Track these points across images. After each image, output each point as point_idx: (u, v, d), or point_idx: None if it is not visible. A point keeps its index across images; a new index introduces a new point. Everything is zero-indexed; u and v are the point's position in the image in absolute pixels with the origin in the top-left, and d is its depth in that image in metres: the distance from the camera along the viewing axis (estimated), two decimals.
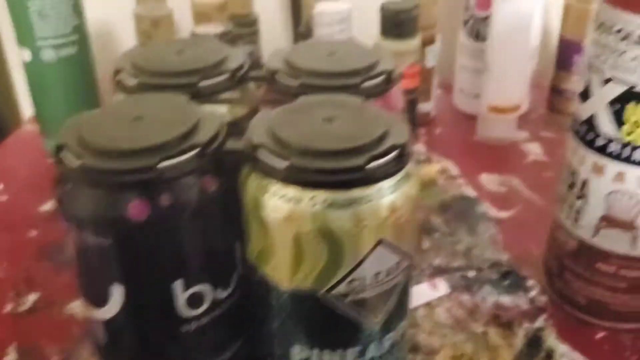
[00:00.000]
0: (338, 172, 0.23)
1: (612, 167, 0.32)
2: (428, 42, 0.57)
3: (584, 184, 0.33)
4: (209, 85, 0.30)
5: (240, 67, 0.31)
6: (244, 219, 0.26)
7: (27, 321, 0.39)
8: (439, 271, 0.42)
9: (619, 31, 0.29)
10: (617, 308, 0.36)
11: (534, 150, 0.57)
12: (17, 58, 0.54)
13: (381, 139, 0.24)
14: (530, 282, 0.41)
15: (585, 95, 0.32)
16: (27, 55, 0.51)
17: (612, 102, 0.31)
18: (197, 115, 0.26)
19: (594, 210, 0.34)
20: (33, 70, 0.52)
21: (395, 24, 0.52)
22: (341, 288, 0.25)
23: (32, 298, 0.40)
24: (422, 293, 0.40)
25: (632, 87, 0.30)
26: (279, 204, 0.24)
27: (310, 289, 0.25)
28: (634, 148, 0.31)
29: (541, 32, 0.58)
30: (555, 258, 0.38)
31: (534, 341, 0.36)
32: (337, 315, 0.26)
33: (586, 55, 0.33)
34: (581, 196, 0.34)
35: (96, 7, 0.57)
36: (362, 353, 0.27)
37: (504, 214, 0.48)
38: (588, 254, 0.35)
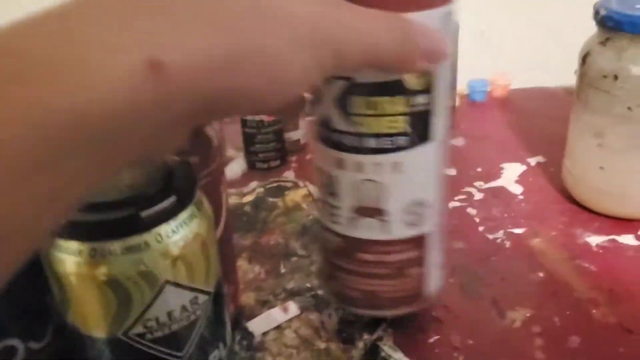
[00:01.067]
0: (112, 222, 0.26)
1: (350, 159, 0.34)
2: None
3: (332, 180, 0.36)
4: None
5: None
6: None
7: None
8: (291, 294, 0.44)
9: None
10: (390, 295, 0.38)
11: None
12: None
13: (160, 184, 0.27)
14: None
15: (317, 98, 0.34)
16: None
17: (338, 99, 0.33)
18: None
19: (346, 204, 0.36)
20: None
21: None
22: (137, 329, 0.27)
23: None
24: (273, 318, 0.42)
25: (351, 81, 0.32)
26: (64, 257, 0.26)
27: (110, 332, 0.27)
28: (365, 137, 0.33)
29: None
30: (324, 260, 0.40)
31: (371, 351, 0.39)
32: (143, 353, 0.28)
33: None
34: (332, 193, 0.36)
35: None
36: None
37: None
38: (351, 247, 0.37)
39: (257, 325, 0.41)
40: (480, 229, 0.51)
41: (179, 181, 0.28)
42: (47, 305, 0.29)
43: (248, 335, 0.41)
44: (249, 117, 0.58)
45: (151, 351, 0.28)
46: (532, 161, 0.60)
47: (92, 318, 0.27)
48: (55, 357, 0.30)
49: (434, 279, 0.39)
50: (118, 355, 0.28)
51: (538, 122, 0.67)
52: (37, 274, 0.28)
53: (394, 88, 0.32)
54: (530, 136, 0.64)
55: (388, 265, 0.37)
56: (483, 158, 0.61)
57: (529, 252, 0.48)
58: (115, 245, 0.26)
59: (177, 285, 0.27)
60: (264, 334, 0.41)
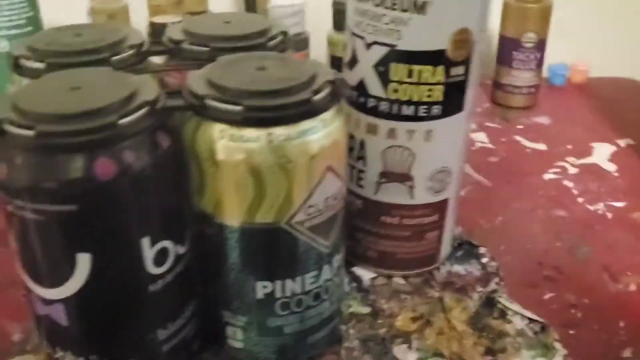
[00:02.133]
0: (289, 107, 0.26)
1: (384, 125, 0.35)
2: None
3: (362, 145, 0.36)
4: (120, 60, 0.31)
5: (142, 43, 0.33)
6: (197, 170, 0.28)
7: None
8: None
9: None
10: (404, 256, 0.39)
11: (480, 139, 0.60)
12: None
13: (314, 77, 0.28)
14: (481, 250, 0.43)
15: (352, 62, 0.36)
16: None
17: (377, 65, 0.34)
18: (132, 79, 0.27)
19: (373, 168, 0.37)
20: None
21: None
22: (300, 216, 0.28)
23: None
24: None
25: (392, 47, 0.33)
26: (237, 146, 0.26)
27: (273, 221, 0.28)
28: (401, 104, 0.34)
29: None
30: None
31: (488, 302, 0.39)
32: (296, 244, 0.29)
33: (348, 24, 0.35)
34: (360, 157, 0.37)
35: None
36: (317, 277, 0.30)
37: None
38: (373, 210, 0.38)
39: (364, 271, 0.41)
40: (580, 200, 0.51)
41: (328, 74, 0.28)
42: (184, 210, 0.29)
43: (357, 278, 0.39)
44: None
45: (306, 241, 0.29)
46: (622, 143, 0.60)
47: (255, 209, 0.27)
48: (190, 265, 0.30)
49: (447, 243, 0.40)
50: (269, 251, 0.29)
51: (622, 108, 0.67)
52: (180, 176, 0.28)
53: (436, 57, 0.33)
54: (616, 120, 0.64)
55: (408, 228, 0.38)
56: (572, 136, 0.61)
57: (632, 224, 0.48)
58: (291, 129, 0.26)
59: (334, 171, 0.28)
60: (372, 278, 0.40)
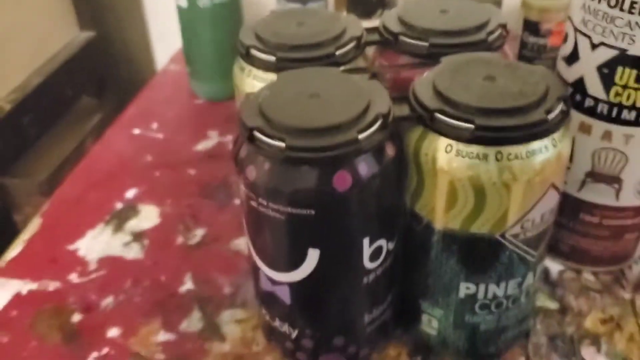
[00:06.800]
0: (521, 128, 0.27)
1: (600, 126, 0.34)
2: None
3: (572, 142, 0.35)
4: (343, 53, 0.33)
5: (362, 34, 0.34)
6: (416, 176, 0.30)
7: (199, 253, 0.44)
8: None
9: None
10: (597, 254, 0.39)
11: None
12: (151, 4, 0.59)
13: (546, 93, 0.28)
14: None
15: (572, 58, 0.34)
16: (183, 1, 0.57)
17: (602, 66, 0.33)
18: (365, 87, 0.29)
19: (580, 167, 0.36)
20: (188, 15, 0.58)
21: None
22: (515, 230, 0.29)
23: (199, 233, 0.46)
24: None
25: (623, 52, 0.32)
26: (464, 161, 0.28)
27: (487, 232, 0.29)
28: (622, 108, 0.33)
29: None
30: None
31: None
32: (505, 254, 0.30)
33: (572, 18, 0.34)
34: None
35: None
36: (520, 284, 0.32)
37: None
38: (573, 206, 0.38)
39: (552, 263, 0.41)
40: None
41: (561, 90, 0.29)
42: (400, 209, 0.31)
43: (544, 269, 0.40)
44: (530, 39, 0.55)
45: (517, 250, 0.30)
46: None
47: (473, 220, 0.29)
48: (396, 259, 0.32)
49: None
50: (478, 257, 0.30)
51: None
52: (400, 179, 0.30)
53: None
54: None
55: (609, 228, 0.38)
56: None
57: None
58: (520, 149, 0.27)
59: (556, 188, 0.29)
60: (561, 272, 0.40)
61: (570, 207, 0.38)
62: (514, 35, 0.59)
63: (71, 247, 0.45)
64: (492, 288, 0.31)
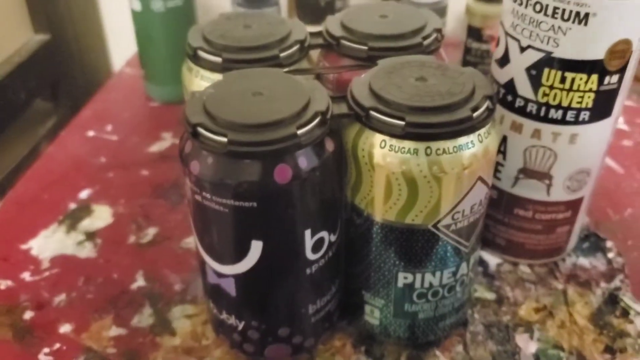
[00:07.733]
0: (449, 124, 0.29)
1: (530, 125, 0.37)
2: None
3: (504, 140, 0.38)
4: (287, 55, 0.35)
5: (306, 38, 0.36)
6: (354, 170, 0.31)
7: (150, 252, 0.45)
8: None
9: (535, 4, 0.34)
10: (532, 247, 0.42)
11: None
12: (107, 8, 0.62)
13: (472, 92, 0.30)
14: (608, 244, 0.44)
15: (503, 61, 0.37)
16: (136, 5, 0.58)
17: (530, 68, 0.35)
18: (306, 86, 0.31)
19: (512, 164, 0.39)
20: (142, 19, 0.59)
21: None
22: (446, 220, 0.31)
23: (151, 232, 0.47)
24: None
25: (549, 54, 0.34)
26: (396, 156, 0.30)
27: (421, 223, 0.31)
28: (549, 107, 0.36)
29: None
30: None
31: (611, 299, 0.41)
32: (439, 244, 0.32)
33: (503, 22, 0.36)
34: (501, 151, 0.39)
35: None
36: (454, 273, 0.34)
37: None
38: (508, 202, 0.41)
39: (490, 256, 0.44)
40: None
41: (487, 89, 0.31)
42: (340, 202, 0.33)
43: (483, 262, 0.42)
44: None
45: (449, 242, 0.32)
46: None
47: (406, 212, 0.31)
48: (338, 250, 0.34)
49: (576, 235, 0.43)
50: (414, 247, 0.32)
51: None
52: (339, 174, 0.32)
53: (592, 67, 0.34)
54: None
55: (541, 222, 0.41)
56: None
57: None
58: (448, 144, 0.29)
59: (484, 180, 0.31)
60: (499, 264, 0.42)
61: (505, 203, 0.41)
62: (458, 41, 0.62)
63: (24, 246, 0.45)
64: (429, 277, 0.33)
